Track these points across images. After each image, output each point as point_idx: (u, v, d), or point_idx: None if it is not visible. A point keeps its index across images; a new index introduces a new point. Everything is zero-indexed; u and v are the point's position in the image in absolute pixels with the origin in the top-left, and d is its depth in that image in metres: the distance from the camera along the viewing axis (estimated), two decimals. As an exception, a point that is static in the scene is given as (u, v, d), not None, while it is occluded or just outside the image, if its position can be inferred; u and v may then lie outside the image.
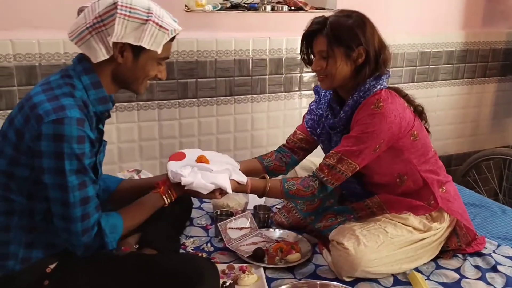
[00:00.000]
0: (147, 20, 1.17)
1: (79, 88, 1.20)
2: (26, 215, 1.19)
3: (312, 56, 1.60)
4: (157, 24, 1.18)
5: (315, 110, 1.74)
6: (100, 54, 1.18)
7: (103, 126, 1.32)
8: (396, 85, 1.68)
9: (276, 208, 2.01)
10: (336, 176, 1.51)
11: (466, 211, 1.73)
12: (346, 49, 1.48)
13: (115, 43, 1.18)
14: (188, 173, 1.37)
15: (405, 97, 1.59)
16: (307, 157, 1.95)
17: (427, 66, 2.75)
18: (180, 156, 1.48)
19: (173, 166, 1.39)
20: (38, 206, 1.20)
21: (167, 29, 1.20)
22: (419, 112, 1.61)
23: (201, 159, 1.47)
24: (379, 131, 1.47)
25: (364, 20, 1.51)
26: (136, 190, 1.50)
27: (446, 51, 2.77)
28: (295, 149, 1.77)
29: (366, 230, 1.56)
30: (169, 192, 1.37)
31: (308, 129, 1.75)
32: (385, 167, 1.59)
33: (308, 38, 1.57)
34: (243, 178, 1.50)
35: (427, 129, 1.64)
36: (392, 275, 1.56)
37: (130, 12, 1.16)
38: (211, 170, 1.42)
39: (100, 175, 1.30)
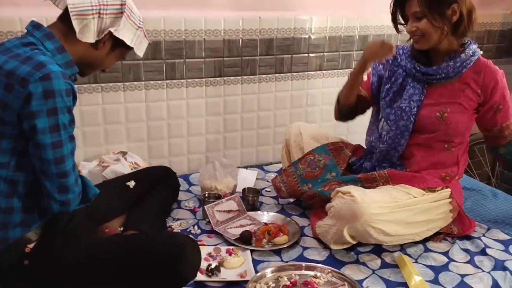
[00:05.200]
0: (139, 27, 1.32)
1: (47, 53, 1.19)
2: (3, 195, 1.16)
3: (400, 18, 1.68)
4: (144, 33, 1.35)
5: (387, 66, 1.77)
6: (90, 36, 1.23)
7: None
8: None
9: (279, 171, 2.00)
10: None
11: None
12: (440, 7, 1.52)
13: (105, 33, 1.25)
14: None
15: None
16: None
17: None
18: None
19: None
20: (23, 179, 1.18)
21: (147, 41, 1.38)
22: None
23: None
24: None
25: None
26: None
27: (440, 33, 2.72)
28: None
29: (372, 189, 1.59)
30: None
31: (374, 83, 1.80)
32: (459, 128, 1.65)
33: (399, 1, 1.63)
34: None
35: None
36: (381, 258, 1.55)
37: (131, 15, 1.29)
38: None
39: None
